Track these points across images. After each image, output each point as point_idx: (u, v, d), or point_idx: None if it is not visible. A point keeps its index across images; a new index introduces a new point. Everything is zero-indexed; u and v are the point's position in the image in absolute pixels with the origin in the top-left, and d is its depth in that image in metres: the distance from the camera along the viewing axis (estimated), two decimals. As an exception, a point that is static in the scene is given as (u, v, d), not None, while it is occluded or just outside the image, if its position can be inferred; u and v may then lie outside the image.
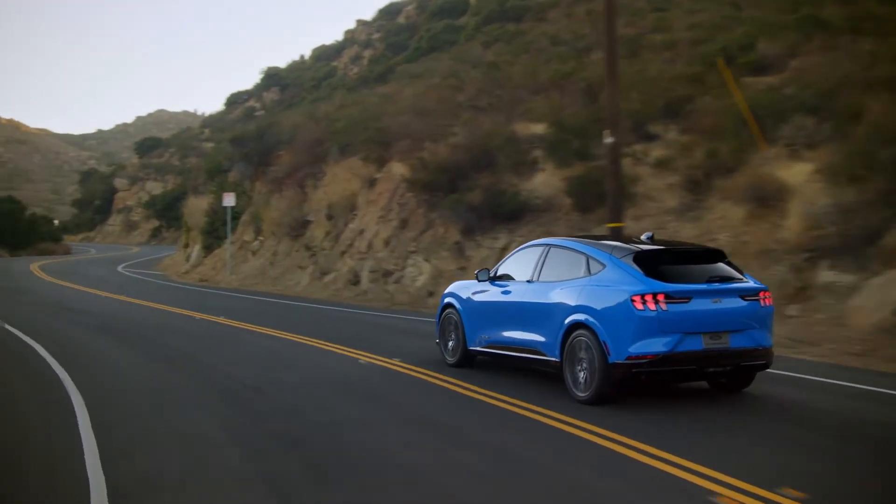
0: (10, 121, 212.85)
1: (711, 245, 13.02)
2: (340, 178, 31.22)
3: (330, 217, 30.42)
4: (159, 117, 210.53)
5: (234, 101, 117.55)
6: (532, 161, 24.18)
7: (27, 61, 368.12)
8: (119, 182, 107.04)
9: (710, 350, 8.98)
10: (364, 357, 12.57)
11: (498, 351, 10.98)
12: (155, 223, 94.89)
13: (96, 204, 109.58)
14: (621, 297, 8.90)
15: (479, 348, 11.34)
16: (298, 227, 31.85)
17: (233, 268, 34.13)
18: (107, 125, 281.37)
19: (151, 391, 10.53)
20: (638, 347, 8.76)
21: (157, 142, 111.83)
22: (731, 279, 9.39)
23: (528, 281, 10.52)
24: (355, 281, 26.55)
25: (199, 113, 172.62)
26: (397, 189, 27.70)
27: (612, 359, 8.83)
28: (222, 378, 11.34)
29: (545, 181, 23.30)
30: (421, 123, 28.78)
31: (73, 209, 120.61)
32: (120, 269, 43.14)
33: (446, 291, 12.60)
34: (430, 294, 22.91)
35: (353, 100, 39.76)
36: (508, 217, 22.76)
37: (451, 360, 11.86)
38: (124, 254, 62.98)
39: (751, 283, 9.43)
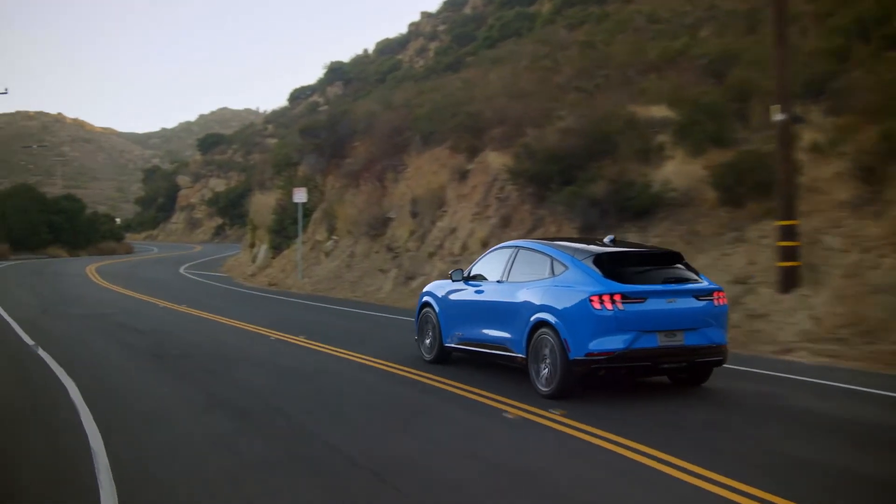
0: (76, 120, 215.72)
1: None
2: (425, 171, 27.67)
3: (414, 214, 26.85)
4: (222, 115, 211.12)
5: (297, 96, 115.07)
6: (657, 147, 20.33)
7: (92, 61, 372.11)
8: (182, 179, 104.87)
9: (665, 347, 9.45)
10: (512, 411, 8.99)
11: (470, 347, 11.52)
12: (218, 221, 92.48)
13: (159, 202, 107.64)
14: (581, 297, 9.38)
15: (453, 345, 11.89)
16: (378, 226, 28.31)
17: (304, 270, 30.73)
18: (170, 124, 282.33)
19: (227, 483, 6.83)
20: (596, 345, 9.22)
21: (219, 138, 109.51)
22: (686, 280, 9.91)
23: (498, 281, 11.07)
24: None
25: (262, 111, 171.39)
26: (494, 181, 24.05)
27: (573, 355, 9.30)
28: (335, 458, 7.39)
29: (677, 170, 19.42)
30: (519, 107, 25.06)
31: (137, 207, 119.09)
32: (182, 270, 40.07)
33: (424, 290, 13.25)
34: (545, 305, 19.28)
35: (430, 86, 36.11)
36: (638, 213, 18.96)
37: (428, 357, 12.42)
38: (187, 253, 60.21)
39: (705, 284, 9.93)
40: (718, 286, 10.04)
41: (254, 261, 38.63)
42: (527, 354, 10.06)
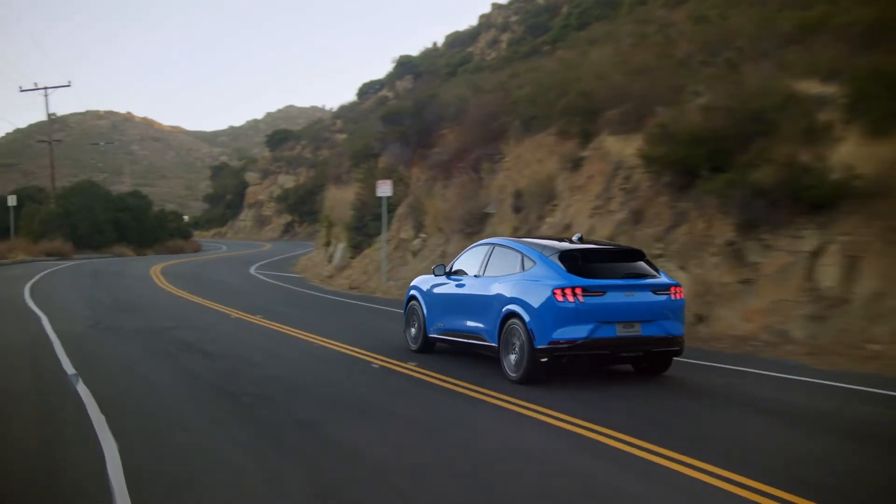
0: (145, 119, 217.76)
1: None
2: (528, 160, 24.23)
3: (518, 209, 23.42)
4: (288, 113, 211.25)
5: (366, 91, 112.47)
6: (824, 126, 16.57)
7: (160, 61, 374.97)
8: (250, 176, 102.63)
9: (623, 337, 10.15)
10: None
11: (451, 337, 12.36)
12: (286, 218, 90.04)
13: (227, 199, 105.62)
14: (545, 290, 10.10)
15: (436, 335, 12.74)
16: (474, 222, 24.89)
17: (389, 272, 27.47)
18: (238, 122, 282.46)
19: None
20: (559, 334, 9.95)
21: (287, 134, 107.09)
22: (645, 276, 10.60)
23: (475, 276, 11.91)
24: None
25: (328, 108, 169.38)
26: (618, 170, 20.46)
27: (538, 344, 10.04)
28: None
29: (857, 153, 15.61)
30: (642, 85, 21.43)
31: (205, 204, 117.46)
32: (252, 271, 37.12)
33: (411, 284, 13.95)
34: (699, 319, 15.62)
35: (525, 68, 32.55)
36: (816, 205, 15.22)
37: (413, 346, 13.32)
38: (256, 252, 57.67)
39: (663, 279, 10.68)
40: (676, 282, 10.81)
41: (330, 261, 35.55)
42: (499, 343, 10.84)
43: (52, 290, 26.21)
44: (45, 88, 51.54)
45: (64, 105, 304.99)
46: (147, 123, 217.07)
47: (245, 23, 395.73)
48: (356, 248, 32.50)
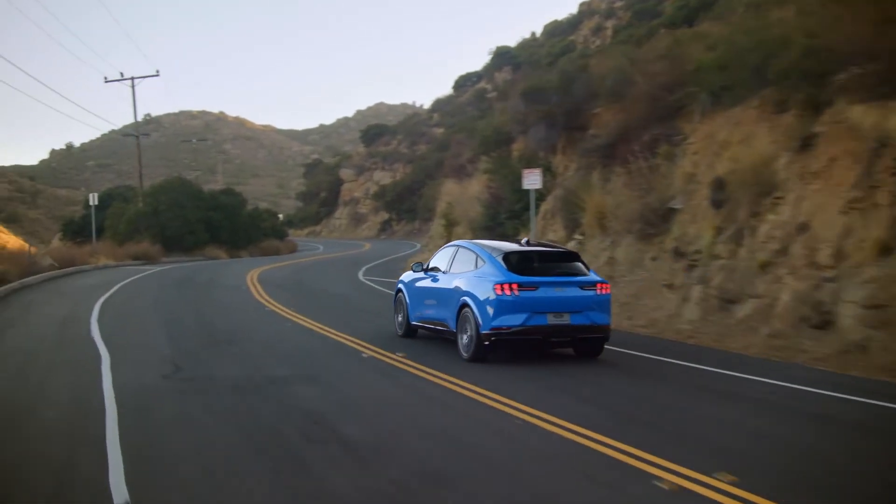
0: (237, 118, 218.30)
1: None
2: (726, 140, 18.55)
3: (718, 203, 17.69)
4: (378, 110, 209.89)
5: (463, 83, 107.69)
6: None
7: (251, 61, 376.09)
8: (345, 173, 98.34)
9: (554, 325, 12.05)
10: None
11: (426, 324, 14.30)
12: (383, 216, 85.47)
13: (322, 196, 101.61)
14: (489, 285, 12.08)
15: (416, 323, 14.69)
16: (655, 220, 19.27)
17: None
18: (328, 120, 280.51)
19: None
20: (499, 321, 11.89)
21: (382, 129, 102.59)
22: (576, 274, 12.55)
23: (444, 272, 13.86)
24: (820, 320, 13.78)
25: (418, 104, 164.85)
26: (879, 149, 14.70)
27: (482, 329, 12.02)
28: None
29: None
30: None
31: (298, 202, 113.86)
32: (361, 276, 32.11)
33: (399, 279, 16.14)
34: None
35: (692, 34, 26.67)
36: None
37: (399, 332, 15.30)
38: (357, 252, 52.77)
39: (591, 277, 12.58)
40: (603, 279, 12.80)
41: (451, 265, 30.38)
42: (456, 328, 12.86)
43: (127, 307, 21.40)
44: (132, 79, 47.64)
45: (158, 106, 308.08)
46: (239, 122, 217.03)
47: (335, 21, 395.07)
48: (486, 252, 27.09)
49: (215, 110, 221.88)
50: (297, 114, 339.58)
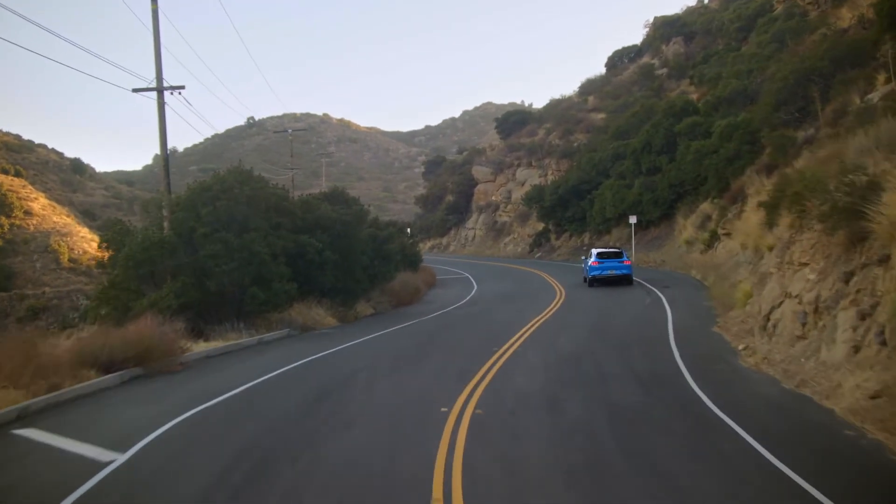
0: (342, 120, 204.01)
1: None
2: None
3: None
4: (486, 110, 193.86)
5: (617, 62, 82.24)
6: None
7: (356, 62, 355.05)
8: (478, 171, 73.36)
9: (610, 274, 32.02)
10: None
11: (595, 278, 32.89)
12: (535, 226, 60.80)
13: (448, 200, 77.21)
14: (590, 262, 33.21)
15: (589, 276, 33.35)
16: None
17: None
18: (434, 121, 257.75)
19: None
20: (593, 272, 32.14)
21: (525, 116, 77.23)
22: (620, 256, 33.00)
23: (584, 258, 37.92)
24: None
25: (527, 104, 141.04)
26: None
27: (588, 275, 33.29)
28: None
29: None
30: None
31: (417, 209, 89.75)
32: (682, 365, 7.84)
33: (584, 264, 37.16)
34: None
35: None
36: None
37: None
38: (539, 288, 31.18)
39: (624, 258, 32.95)
40: (627, 258, 33.04)
41: None
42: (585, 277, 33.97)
43: None
44: (159, 90, 24.41)
45: (263, 109, 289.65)
46: (344, 125, 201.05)
47: (439, 22, 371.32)
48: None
49: (319, 112, 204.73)
50: (402, 115, 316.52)
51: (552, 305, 24.87)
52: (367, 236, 26.95)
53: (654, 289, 27.86)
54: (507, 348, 15.74)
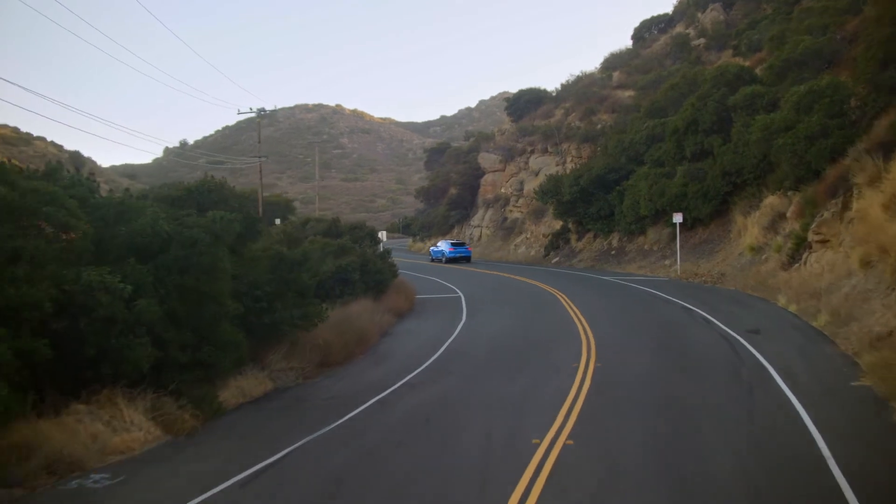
0: (355, 111, 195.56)
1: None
2: None
3: None
4: (503, 98, 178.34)
5: (643, 34, 70.01)
6: None
7: (370, 53, 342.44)
8: (485, 159, 61.37)
9: (456, 255, 53.47)
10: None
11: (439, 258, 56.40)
12: (552, 224, 49.08)
13: (452, 194, 65.35)
14: (445, 248, 54.92)
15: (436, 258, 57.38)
16: None
17: None
18: (449, 111, 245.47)
19: None
20: (449, 255, 53.67)
21: (541, 96, 64.89)
22: (463, 245, 56.18)
23: (435, 245, 63.58)
24: None
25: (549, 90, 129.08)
26: None
27: (447, 256, 54.86)
28: None
29: None
30: None
31: (419, 201, 78.11)
32: None
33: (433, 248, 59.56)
34: None
35: None
36: None
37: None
38: (545, 326, 18.24)
39: (465, 245, 57.11)
40: (467, 245, 56.92)
41: None
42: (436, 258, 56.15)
43: None
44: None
45: (273, 99, 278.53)
46: (357, 115, 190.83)
47: (456, 9, 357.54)
48: None
49: (332, 103, 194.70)
50: (417, 106, 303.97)
51: (578, 379, 13.41)
52: (267, 259, 15.43)
53: (738, 337, 16.41)
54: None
